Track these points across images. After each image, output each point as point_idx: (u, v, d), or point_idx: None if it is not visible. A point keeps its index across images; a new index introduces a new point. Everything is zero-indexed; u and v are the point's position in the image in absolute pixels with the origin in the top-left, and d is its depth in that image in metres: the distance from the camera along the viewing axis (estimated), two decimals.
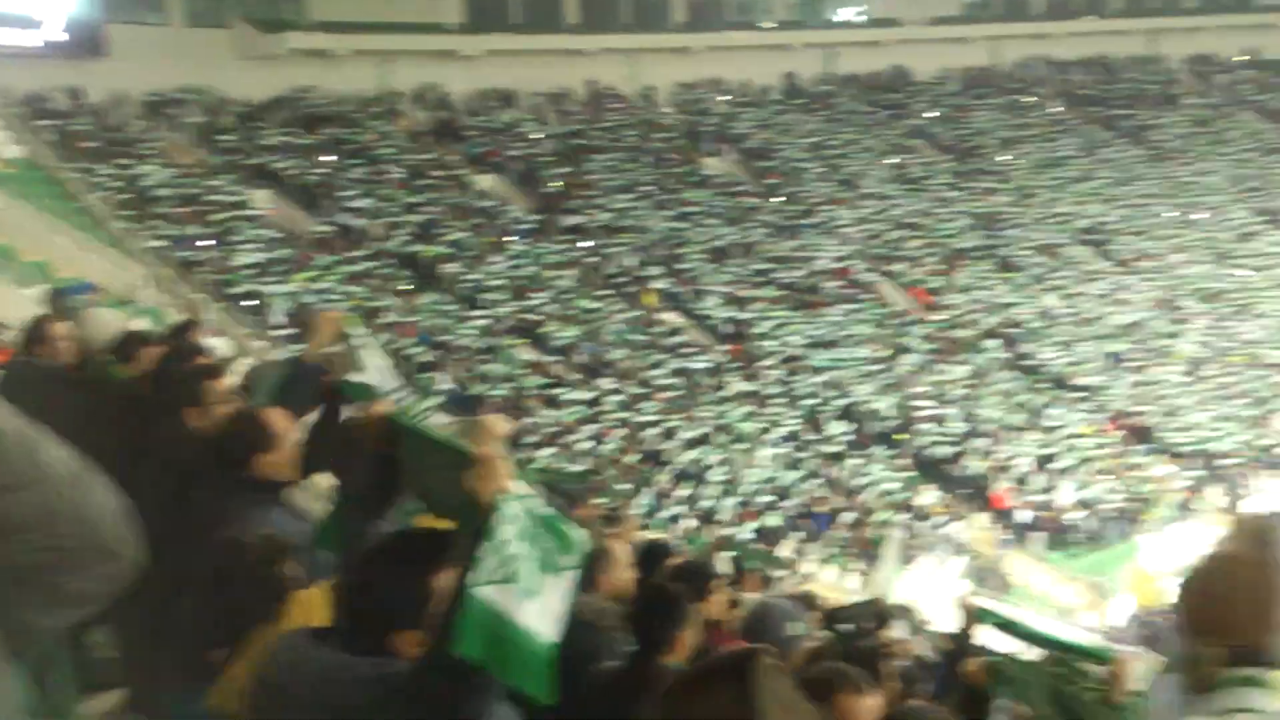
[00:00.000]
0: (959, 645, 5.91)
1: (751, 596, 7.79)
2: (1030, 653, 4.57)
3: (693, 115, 44.13)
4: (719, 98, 45.43)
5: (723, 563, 10.78)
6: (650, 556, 5.67)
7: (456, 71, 40.42)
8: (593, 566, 4.21)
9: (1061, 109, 50.14)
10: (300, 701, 2.45)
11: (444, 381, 27.75)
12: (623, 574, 4.53)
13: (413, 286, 31.22)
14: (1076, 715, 3.95)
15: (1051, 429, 32.18)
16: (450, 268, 32.45)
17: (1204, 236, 42.89)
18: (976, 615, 5.94)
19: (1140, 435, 32.68)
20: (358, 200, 33.68)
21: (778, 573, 9.72)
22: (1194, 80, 53.37)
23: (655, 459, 27.87)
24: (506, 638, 2.24)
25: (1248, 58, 54.41)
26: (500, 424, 2.62)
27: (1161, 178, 46.27)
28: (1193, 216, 43.99)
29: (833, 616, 8.00)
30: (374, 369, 3.95)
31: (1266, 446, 32.44)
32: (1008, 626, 5.46)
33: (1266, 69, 53.84)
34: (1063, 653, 4.41)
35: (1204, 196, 45.36)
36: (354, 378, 3.95)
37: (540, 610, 2.29)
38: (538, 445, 26.46)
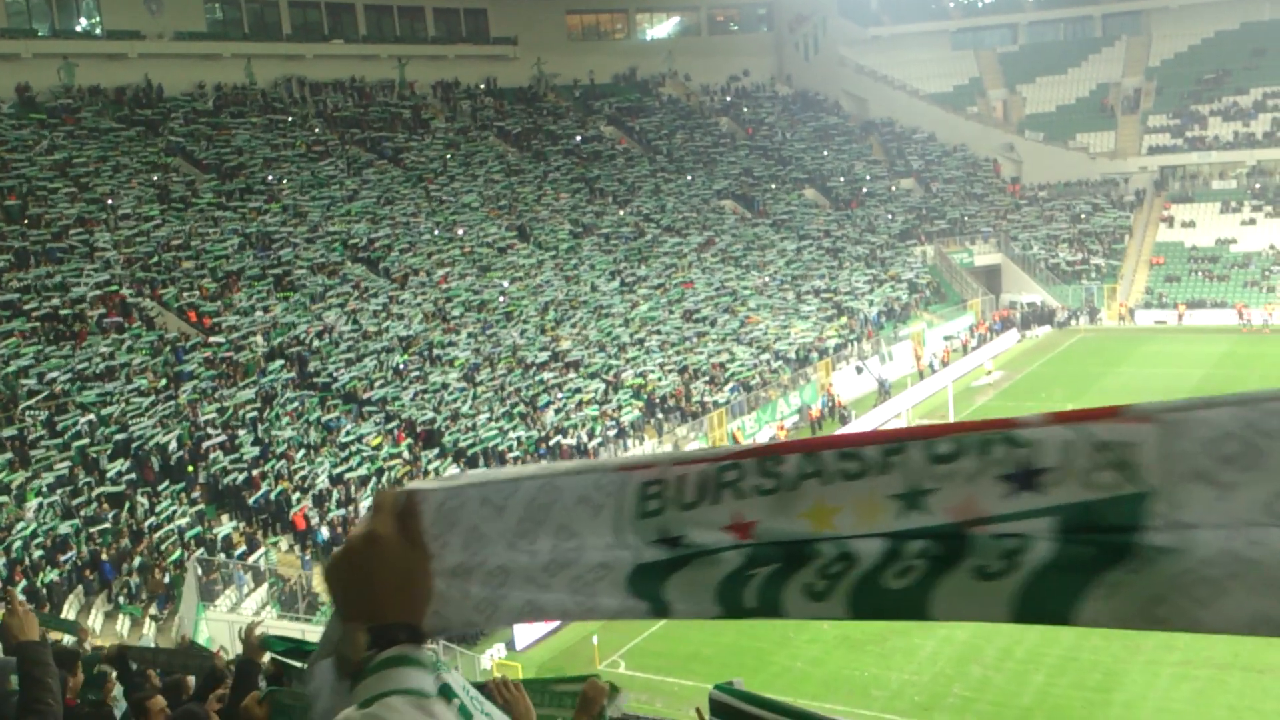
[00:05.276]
0: (241, 677, 5.89)
1: None
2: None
3: None
4: None
5: None
6: None
7: None
8: None
9: (319, 130, 50.49)
10: None
11: None
12: None
13: None
14: None
15: (345, 444, 31.89)
16: None
17: (465, 252, 45.47)
18: (261, 644, 5.98)
19: (429, 440, 33.57)
20: None
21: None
22: (442, 106, 56.70)
23: None
24: None
25: (485, 86, 59.12)
26: None
27: (422, 197, 48.38)
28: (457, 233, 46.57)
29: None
30: None
31: (540, 439, 34.97)
32: (297, 650, 5.50)
33: (503, 96, 58.86)
34: None
35: (460, 214, 48.21)
36: None
37: None
38: None
